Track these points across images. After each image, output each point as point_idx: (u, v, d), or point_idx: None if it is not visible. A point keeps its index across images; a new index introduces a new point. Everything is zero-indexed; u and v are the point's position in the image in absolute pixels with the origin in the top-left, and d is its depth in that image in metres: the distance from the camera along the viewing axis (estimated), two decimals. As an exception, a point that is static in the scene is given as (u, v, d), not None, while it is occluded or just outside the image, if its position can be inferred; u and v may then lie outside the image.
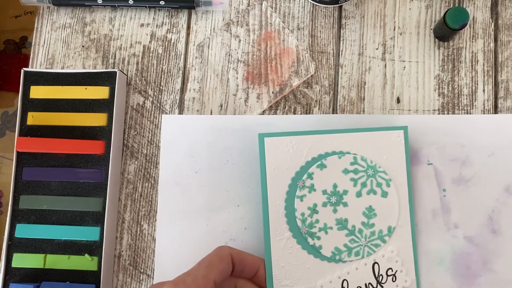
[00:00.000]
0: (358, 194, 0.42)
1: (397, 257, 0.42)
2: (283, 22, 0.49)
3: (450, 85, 0.47)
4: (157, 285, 0.36)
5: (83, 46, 0.50)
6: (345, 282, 0.41)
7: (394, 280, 0.42)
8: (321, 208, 0.42)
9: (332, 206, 0.42)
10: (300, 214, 0.42)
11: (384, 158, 0.43)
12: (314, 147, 0.42)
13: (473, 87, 0.47)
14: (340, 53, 0.48)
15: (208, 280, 0.35)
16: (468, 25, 0.48)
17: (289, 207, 0.42)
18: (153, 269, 0.45)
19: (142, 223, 0.46)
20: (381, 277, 0.42)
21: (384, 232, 0.42)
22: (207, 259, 0.37)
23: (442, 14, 0.47)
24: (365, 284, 0.41)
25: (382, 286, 0.41)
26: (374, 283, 0.41)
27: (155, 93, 0.49)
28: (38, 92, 0.47)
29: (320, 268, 0.41)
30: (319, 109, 0.47)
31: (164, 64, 0.49)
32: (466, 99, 0.47)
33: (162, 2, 0.49)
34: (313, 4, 0.49)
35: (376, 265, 0.42)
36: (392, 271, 0.42)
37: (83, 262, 0.44)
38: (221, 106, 0.48)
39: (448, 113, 0.47)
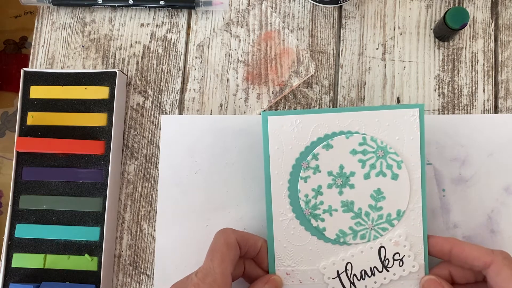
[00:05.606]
0: (366, 176, 0.41)
1: (405, 241, 0.40)
2: (283, 22, 0.49)
3: (450, 85, 0.47)
4: (180, 285, 0.36)
5: (83, 46, 0.50)
6: (349, 264, 0.40)
7: (401, 264, 0.40)
8: (326, 189, 0.41)
9: (337, 188, 0.41)
10: (303, 195, 0.41)
11: (396, 139, 0.40)
12: (320, 127, 0.41)
13: (473, 87, 0.47)
14: (340, 53, 0.48)
15: (226, 277, 0.35)
16: (468, 25, 0.48)
17: (292, 188, 0.41)
18: (153, 269, 0.45)
19: (142, 223, 0.46)
20: (387, 261, 0.40)
21: (392, 216, 0.40)
22: (219, 251, 0.37)
23: (442, 14, 0.47)
24: (370, 268, 0.40)
25: (388, 270, 0.40)
26: (380, 267, 0.40)
27: (155, 93, 0.49)
28: (38, 92, 0.47)
29: (324, 250, 0.41)
30: (319, 109, 0.47)
31: (164, 64, 0.49)
32: (466, 99, 0.47)
33: (162, 2, 0.49)
34: (313, 4, 0.49)
35: (382, 249, 0.40)
36: (399, 255, 0.40)
37: (83, 262, 0.44)
38: (221, 106, 0.48)
39: (448, 113, 0.47)
